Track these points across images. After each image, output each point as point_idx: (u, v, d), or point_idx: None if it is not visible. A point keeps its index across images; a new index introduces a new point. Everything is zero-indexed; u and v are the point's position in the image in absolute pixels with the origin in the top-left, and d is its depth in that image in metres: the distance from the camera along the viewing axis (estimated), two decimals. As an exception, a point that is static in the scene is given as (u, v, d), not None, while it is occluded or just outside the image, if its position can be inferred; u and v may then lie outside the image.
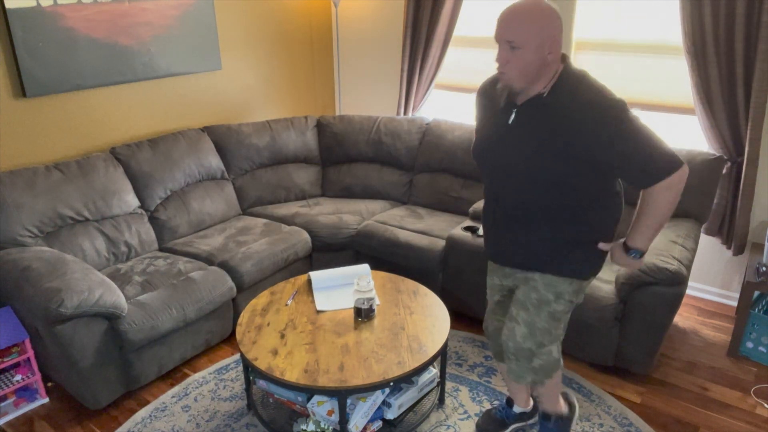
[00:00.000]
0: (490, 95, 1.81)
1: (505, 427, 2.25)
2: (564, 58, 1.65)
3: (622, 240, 1.77)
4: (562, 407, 2.14)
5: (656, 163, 1.56)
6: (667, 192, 1.59)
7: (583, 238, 1.75)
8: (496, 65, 1.64)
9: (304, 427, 2.09)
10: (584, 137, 1.55)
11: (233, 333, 2.93)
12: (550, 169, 1.62)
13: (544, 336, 1.85)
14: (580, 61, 3.33)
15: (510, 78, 1.61)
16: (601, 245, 1.77)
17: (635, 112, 1.56)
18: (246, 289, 2.89)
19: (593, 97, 1.55)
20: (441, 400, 2.42)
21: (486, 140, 1.77)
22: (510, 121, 1.69)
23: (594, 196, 1.69)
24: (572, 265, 1.78)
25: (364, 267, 2.62)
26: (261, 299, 2.49)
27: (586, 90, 1.57)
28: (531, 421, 2.28)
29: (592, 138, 1.54)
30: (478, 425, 2.27)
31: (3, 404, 2.47)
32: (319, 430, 2.08)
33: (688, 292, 3.30)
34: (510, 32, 1.55)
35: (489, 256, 1.96)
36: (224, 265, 2.84)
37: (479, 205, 3.14)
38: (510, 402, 2.24)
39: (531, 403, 2.27)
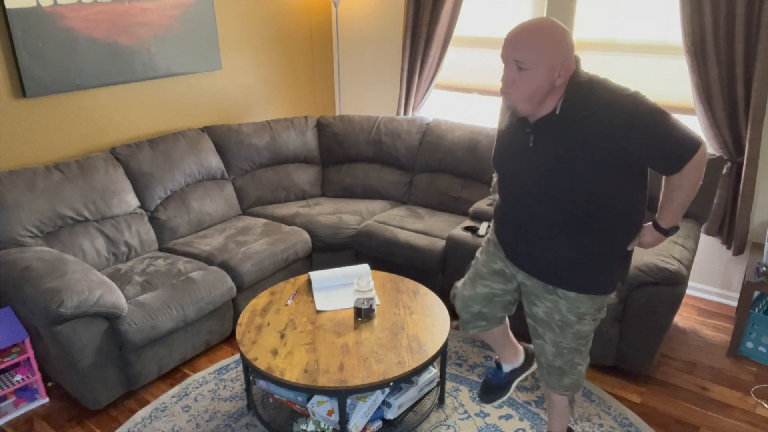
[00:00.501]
0: (509, 121, 1.75)
1: (506, 388, 2.23)
2: (576, 63, 1.57)
3: (650, 223, 1.73)
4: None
5: (682, 143, 1.50)
6: (693, 174, 1.55)
7: (608, 248, 1.68)
8: (500, 84, 1.57)
9: (304, 427, 2.09)
10: (615, 137, 1.49)
11: (233, 333, 2.93)
12: (574, 182, 1.56)
13: (574, 355, 1.83)
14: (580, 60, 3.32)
15: (515, 101, 1.55)
16: (630, 245, 1.73)
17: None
18: (246, 289, 2.89)
19: (609, 97, 1.50)
20: (441, 400, 2.42)
21: (507, 158, 1.71)
22: (530, 143, 1.62)
23: (620, 205, 1.62)
24: (596, 280, 1.71)
25: (364, 267, 2.62)
26: (261, 299, 2.49)
27: (598, 95, 1.51)
28: (530, 370, 2.22)
29: (623, 135, 1.48)
30: (481, 398, 2.24)
31: (3, 404, 2.47)
32: (319, 430, 2.08)
33: (688, 292, 3.30)
34: (519, 52, 1.48)
35: (506, 254, 1.85)
36: (224, 265, 2.84)
37: (479, 205, 3.14)
38: (499, 364, 2.22)
39: (520, 353, 2.21)
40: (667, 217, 1.69)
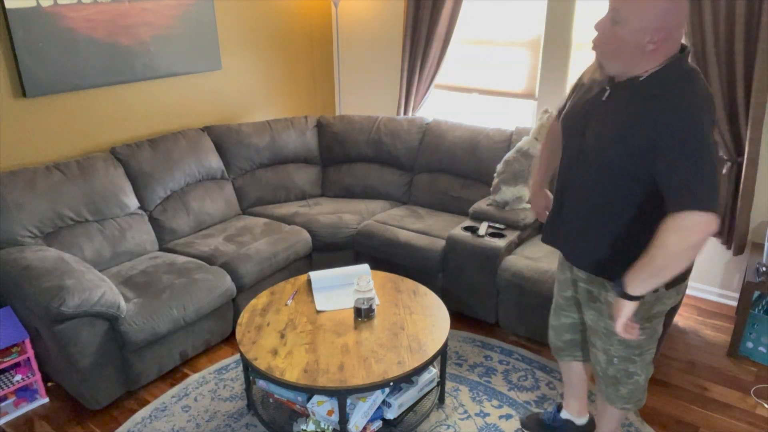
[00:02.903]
0: (592, 77, 1.69)
1: (546, 430, 2.19)
2: (682, 49, 1.48)
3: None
4: None
5: (697, 187, 1.37)
6: (684, 233, 1.38)
7: (632, 245, 1.55)
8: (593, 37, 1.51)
9: (304, 427, 2.09)
10: (654, 130, 1.42)
11: (233, 333, 2.93)
12: (621, 154, 1.49)
13: (627, 364, 1.74)
14: (580, 60, 3.33)
15: (601, 54, 1.51)
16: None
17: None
18: (246, 289, 2.89)
19: (685, 95, 1.41)
20: (441, 400, 2.43)
21: (576, 112, 1.66)
22: (604, 98, 1.56)
23: (651, 207, 1.52)
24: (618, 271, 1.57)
25: (364, 267, 2.62)
26: (261, 299, 2.49)
27: (683, 87, 1.42)
28: None
29: (658, 132, 1.41)
30: (523, 423, 2.25)
31: (3, 404, 2.47)
32: (319, 430, 2.08)
33: (688, 292, 3.30)
34: (621, 4, 1.42)
35: (543, 238, 1.86)
36: (224, 265, 2.84)
37: (479, 205, 3.15)
38: (560, 407, 2.18)
39: (584, 413, 2.16)
40: (635, 278, 1.48)
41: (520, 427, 2.28)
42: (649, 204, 1.52)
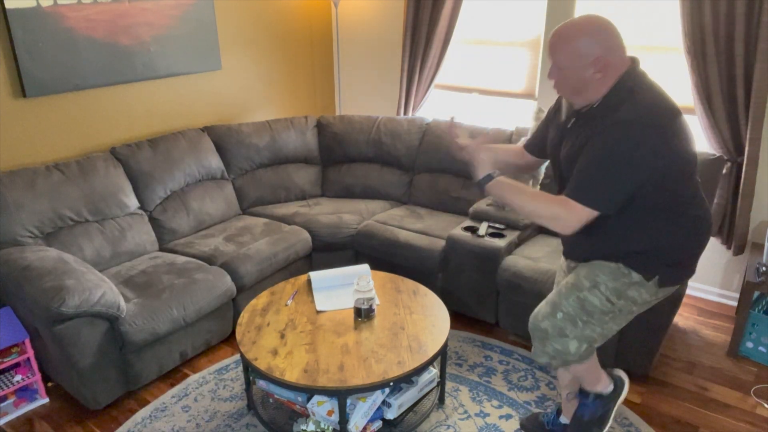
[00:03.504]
0: (561, 107, 1.87)
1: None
2: (631, 63, 1.62)
3: (497, 174, 1.78)
4: (604, 385, 1.97)
5: (581, 183, 1.59)
6: (549, 205, 1.63)
7: (626, 247, 1.71)
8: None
9: (304, 427, 2.09)
10: (590, 146, 1.61)
11: (233, 333, 2.93)
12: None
13: (566, 323, 1.76)
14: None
15: (563, 95, 1.72)
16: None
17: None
18: (246, 289, 2.89)
19: (621, 115, 1.54)
20: (441, 400, 2.43)
21: (554, 135, 1.85)
22: (569, 125, 1.75)
23: (632, 214, 1.65)
24: (620, 254, 1.71)
25: (364, 267, 2.62)
26: (261, 299, 2.49)
27: (622, 107, 1.55)
28: None
29: (590, 146, 1.60)
30: (521, 421, 2.28)
31: (3, 404, 2.47)
32: (319, 430, 2.08)
33: (688, 292, 3.30)
34: (554, 54, 1.62)
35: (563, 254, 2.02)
36: (224, 266, 2.84)
37: (479, 205, 3.15)
38: (560, 411, 2.19)
39: None
40: (503, 181, 1.74)
41: (519, 427, 2.29)
42: (642, 203, 1.63)
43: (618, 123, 1.53)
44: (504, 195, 1.73)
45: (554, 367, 1.87)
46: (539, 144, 1.98)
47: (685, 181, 1.64)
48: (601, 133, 1.56)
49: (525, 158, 2.04)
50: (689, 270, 1.78)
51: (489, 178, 1.77)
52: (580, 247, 1.84)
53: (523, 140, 2.10)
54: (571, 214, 1.60)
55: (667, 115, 1.56)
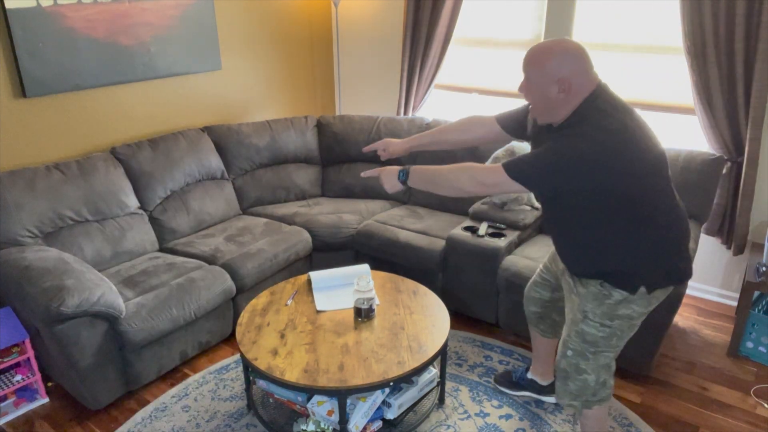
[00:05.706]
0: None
1: (515, 387, 2.43)
2: (596, 87, 1.64)
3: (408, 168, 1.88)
4: None
5: (520, 160, 1.64)
6: (474, 167, 1.72)
7: (587, 244, 1.76)
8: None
9: (304, 427, 2.09)
10: None
11: (233, 333, 2.93)
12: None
13: (578, 359, 1.83)
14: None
15: (530, 108, 1.77)
16: (368, 173, 1.97)
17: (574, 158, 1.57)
18: (246, 289, 2.89)
19: (582, 130, 1.58)
20: (441, 400, 2.43)
21: (534, 138, 1.92)
22: (543, 141, 1.78)
23: (587, 216, 1.71)
24: (599, 272, 1.75)
25: (364, 267, 2.62)
26: (261, 299, 2.49)
27: (584, 127, 1.59)
28: (543, 398, 2.41)
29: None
30: (495, 378, 2.51)
31: (3, 404, 2.47)
32: (319, 430, 2.08)
33: (688, 292, 3.30)
34: (525, 68, 1.69)
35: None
36: (224, 265, 2.84)
37: (479, 205, 3.15)
38: (528, 368, 2.37)
39: (547, 376, 2.38)
40: (420, 171, 1.83)
41: (494, 383, 2.52)
42: (598, 217, 1.68)
43: (573, 135, 1.58)
44: (426, 176, 1.81)
45: (577, 410, 1.91)
46: (514, 124, 2.01)
47: (646, 196, 1.63)
48: (557, 138, 1.63)
49: (492, 129, 2.06)
50: (680, 272, 1.76)
51: (405, 172, 1.87)
52: (566, 258, 1.87)
53: (492, 118, 2.13)
54: (491, 173, 1.67)
55: (618, 140, 1.55)
